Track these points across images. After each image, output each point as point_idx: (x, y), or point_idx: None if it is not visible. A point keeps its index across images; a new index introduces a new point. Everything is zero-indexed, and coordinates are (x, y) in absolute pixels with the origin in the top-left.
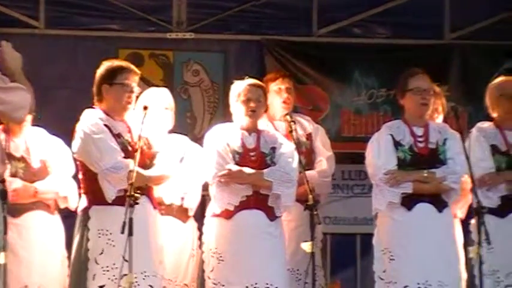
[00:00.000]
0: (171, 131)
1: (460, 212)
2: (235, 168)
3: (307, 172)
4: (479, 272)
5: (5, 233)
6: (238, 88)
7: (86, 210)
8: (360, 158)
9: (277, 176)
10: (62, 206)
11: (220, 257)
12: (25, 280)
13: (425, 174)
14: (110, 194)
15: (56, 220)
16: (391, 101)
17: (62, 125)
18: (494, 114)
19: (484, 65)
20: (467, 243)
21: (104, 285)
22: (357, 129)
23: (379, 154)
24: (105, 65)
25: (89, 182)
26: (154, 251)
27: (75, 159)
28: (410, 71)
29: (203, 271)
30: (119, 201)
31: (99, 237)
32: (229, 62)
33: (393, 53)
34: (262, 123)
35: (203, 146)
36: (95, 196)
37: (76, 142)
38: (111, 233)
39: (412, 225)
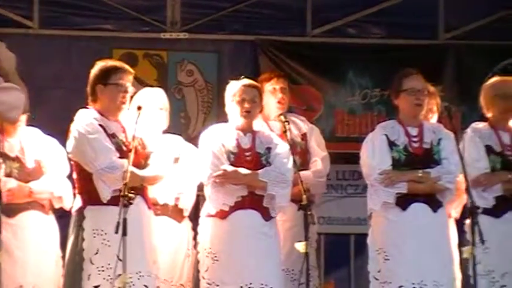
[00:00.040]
0: (165, 131)
1: (455, 212)
2: (231, 168)
3: (303, 172)
4: (473, 272)
5: (0, 233)
6: (234, 88)
7: (80, 210)
8: (353, 158)
9: (272, 177)
10: (57, 206)
11: (215, 257)
12: (20, 280)
13: (420, 174)
14: (105, 194)
15: (51, 220)
16: (385, 101)
17: (56, 125)
18: (489, 114)
19: (478, 65)
20: (461, 243)
21: (99, 285)
22: (351, 129)
23: (374, 154)
24: (99, 65)
25: (84, 182)
26: (149, 250)
27: (69, 159)
28: (404, 71)
29: (198, 271)
30: (114, 201)
31: (94, 237)
32: (223, 62)
33: (387, 53)
34: (257, 124)
35: (197, 146)
36: (90, 196)
37: (71, 142)
38: (106, 233)
39: (407, 225)
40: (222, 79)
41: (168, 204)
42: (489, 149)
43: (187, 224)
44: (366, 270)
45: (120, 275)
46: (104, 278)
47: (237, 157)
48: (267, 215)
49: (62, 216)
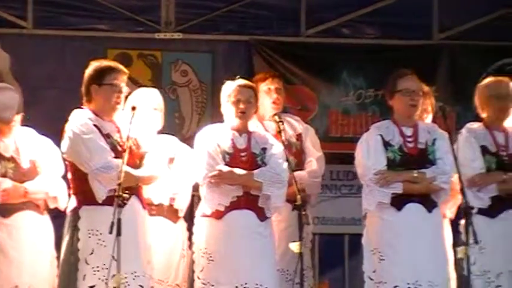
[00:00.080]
0: (159, 132)
1: (450, 212)
2: (226, 169)
3: (298, 173)
4: (468, 272)
5: None
6: (229, 89)
7: (75, 211)
8: (348, 159)
9: (267, 177)
10: (52, 206)
11: (210, 257)
12: (15, 280)
13: (416, 175)
14: (101, 194)
15: (46, 220)
16: (380, 101)
17: (50, 125)
18: (484, 115)
19: (472, 65)
20: (456, 243)
21: (94, 286)
22: (345, 129)
23: (369, 154)
24: (94, 65)
25: (79, 182)
26: (143, 251)
27: (64, 160)
28: (399, 72)
29: (193, 271)
30: (109, 201)
31: (90, 237)
32: (217, 62)
33: (382, 54)
34: (252, 124)
35: (192, 146)
36: (85, 196)
37: (65, 142)
38: (101, 233)
39: (402, 225)
40: (216, 79)
41: (163, 204)
42: (484, 149)
43: (182, 224)
44: (360, 270)
45: (114, 275)
46: (99, 278)
47: (233, 157)
48: (262, 215)
49: (57, 216)
